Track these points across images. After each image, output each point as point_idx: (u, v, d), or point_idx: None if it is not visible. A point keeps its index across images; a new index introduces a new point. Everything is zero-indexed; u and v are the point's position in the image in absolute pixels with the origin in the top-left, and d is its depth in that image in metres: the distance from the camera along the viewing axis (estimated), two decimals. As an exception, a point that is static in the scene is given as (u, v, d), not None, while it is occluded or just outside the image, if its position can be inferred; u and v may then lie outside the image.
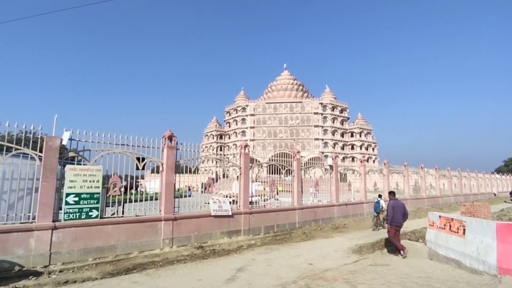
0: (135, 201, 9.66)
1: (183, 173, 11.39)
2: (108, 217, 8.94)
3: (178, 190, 11.33)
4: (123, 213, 9.36)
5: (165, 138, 10.30)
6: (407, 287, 5.98)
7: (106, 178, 9.21)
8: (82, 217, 8.30)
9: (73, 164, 8.50)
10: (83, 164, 8.73)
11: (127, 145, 9.47)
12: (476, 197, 34.03)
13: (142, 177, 12.29)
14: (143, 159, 9.75)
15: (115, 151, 9.23)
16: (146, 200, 9.90)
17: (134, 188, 10.34)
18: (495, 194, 41.23)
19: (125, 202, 9.61)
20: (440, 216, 8.32)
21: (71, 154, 8.52)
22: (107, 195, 9.23)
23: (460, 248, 7.24)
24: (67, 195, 8.14)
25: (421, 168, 26.63)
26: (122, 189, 9.46)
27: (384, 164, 22.58)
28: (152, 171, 10.86)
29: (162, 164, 10.23)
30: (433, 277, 6.69)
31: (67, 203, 8.11)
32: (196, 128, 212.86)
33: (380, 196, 16.04)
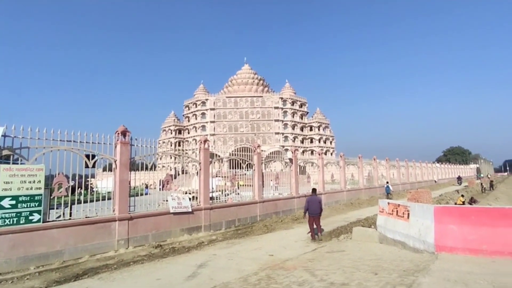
0: (86, 201, 9.01)
1: (139, 170, 10.87)
2: (52, 221, 8.17)
3: (134, 188, 10.81)
4: (70, 215, 8.62)
5: (118, 133, 9.72)
6: (360, 270, 6.26)
7: (50, 178, 8.45)
8: (21, 222, 7.50)
9: (8, 163, 7.61)
10: (21, 163, 7.86)
11: (74, 141, 8.76)
12: (420, 185, 36.82)
13: (93, 176, 11.51)
14: (93, 156, 9.07)
15: (59, 148, 8.49)
16: (98, 200, 9.27)
17: (83, 188, 9.61)
18: (435, 181, 45.11)
19: (73, 203, 8.89)
20: (388, 203, 8.83)
21: (5, 152, 7.60)
22: (52, 197, 8.41)
23: (405, 230, 7.75)
24: (2, 198, 7.30)
25: (374, 159, 28.09)
26: (69, 190, 8.73)
27: (341, 156, 23.44)
28: (105, 169, 10.19)
29: (115, 161, 9.66)
30: (382, 258, 7.08)
31: (1, 207, 7.27)
32: (155, 123, 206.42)
33: (387, 182, 22.78)
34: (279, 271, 6.59)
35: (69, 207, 8.62)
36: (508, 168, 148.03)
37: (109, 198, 9.80)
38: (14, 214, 7.45)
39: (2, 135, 7.42)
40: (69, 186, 8.75)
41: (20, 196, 7.57)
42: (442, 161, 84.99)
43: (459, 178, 47.80)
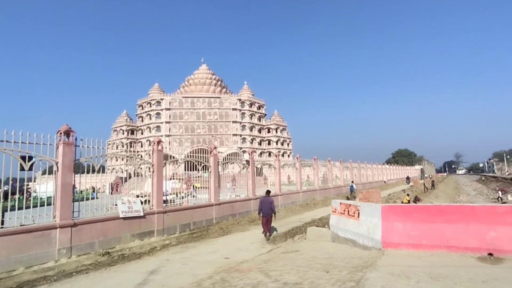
0: (22, 208, 8.15)
1: (85, 173, 10.16)
2: (-19, 230, 7.31)
3: (81, 192, 10.08)
4: (2, 224, 7.77)
5: (61, 133, 8.95)
6: (313, 268, 6.41)
7: None
8: None
9: None
10: None
11: (7, 141, 7.88)
12: (371, 185, 38.89)
13: (32, 180, 10.47)
14: (30, 157, 8.20)
15: (-10, 149, 7.64)
16: (36, 206, 8.47)
17: (19, 193, 8.69)
18: (385, 182, 48.00)
19: (5, 210, 7.99)
20: (340, 203, 9.13)
21: None
22: None
23: (355, 229, 8.07)
24: None
25: (329, 161, 29.02)
26: (1, 195, 7.83)
27: (297, 158, 23.90)
28: (45, 172, 9.33)
29: (56, 163, 8.89)
30: (334, 256, 7.32)
31: None
32: (106, 124, 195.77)
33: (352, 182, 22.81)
34: (234, 273, 6.54)
35: (1, 214, 7.73)
36: (447, 169, 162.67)
37: (49, 204, 9.01)
38: None
39: None
40: (1, 192, 7.85)
41: None
42: (391, 163, 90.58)
43: (407, 178, 52.67)
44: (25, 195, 9.04)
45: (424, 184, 38.07)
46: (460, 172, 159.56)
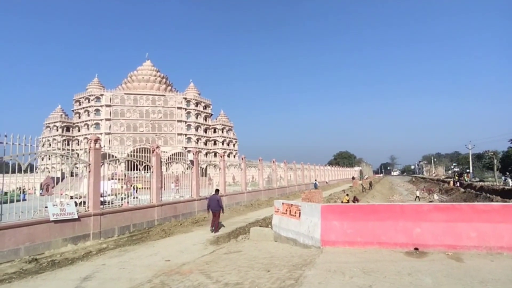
0: None
1: (11, 173, 9.22)
2: None
3: (6, 193, 9.11)
4: None
5: (-19, 128, 8.06)
6: (254, 268, 6.53)
7: None
8: None
9: None
10: None
11: None
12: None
13: None
14: None
15: None
16: None
17: None
18: (327, 182, 50.49)
19: None
20: (283, 203, 9.35)
21: None
22: None
23: (297, 228, 8.34)
24: None
25: (273, 162, 29.70)
26: None
27: (242, 159, 24.12)
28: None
29: (-26, 162, 7.98)
30: (275, 256, 7.51)
31: None
32: (37, 120, 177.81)
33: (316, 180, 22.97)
34: (175, 276, 6.45)
35: None
36: (383, 170, 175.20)
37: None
38: None
39: None
40: None
41: None
42: (333, 164, 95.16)
43: (353, 178, 57.58)
44: None
45: (362, 184, 40.73)
46: (395, 173, 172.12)
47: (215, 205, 12.17)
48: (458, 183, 44.80)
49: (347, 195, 23.12)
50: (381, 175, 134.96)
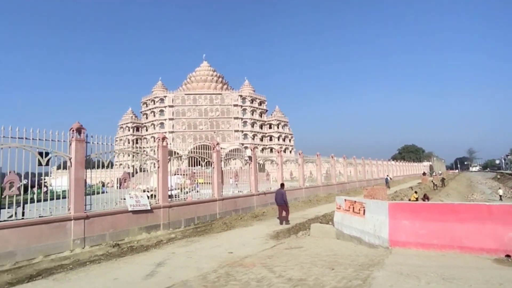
0: (40, 200, 8.63)
1: (95, 168, 10.56)
2: (4, 221, 7.76)
3: (91, 186, 10.48)
4: (23, 215, 8.23)
5: (73, 130, 9.35)
6: (317, 265, 6.40)
7: (0, 177, 8.01)
8: (-31, 222, 7.03)
9: None
10: None
11: (26, 138, 8.30)
12: (376, 182, 38.27)
13: (48, 174, 10.96)
14: (47, 153, 8.65)
15: (11, 146, 8.05)
16: (52, 199, 8.90)
17: (37, 186, 9.16)
18: (391, 178, 47.57)
19: (26, 202, 8.47)
20: (345, 200, 8.96)
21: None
22: (3, 196, 8.01)
23: (361, 226, 7.98)
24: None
25: (332, 157, 28.88)
26: (22, 188, 8.31)
27: (299, 154, 23.94)
28: (59, 167, 9.81)
29: (70, 159, 9.29)
30: (339, 254, 7.27)
31: None
32: (113, 122, 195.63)
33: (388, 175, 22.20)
34: (238, 268, 6.57)
35: (21, 206, 8.21)
36: (459, 166, 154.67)
37: (64, 197, 9.42)
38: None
39: None
40: (21, 185, 8.31)
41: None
42: (397, 159, 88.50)
43: (424, 174, 52.65)
44: (42, 188, 9.46)
45: (433, 181, 37.23)
46: (474, 169, 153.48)
47: (279, 199, 12.78)
48: None
49: (416, 192, 21.33)
50: (457, 171, 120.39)
